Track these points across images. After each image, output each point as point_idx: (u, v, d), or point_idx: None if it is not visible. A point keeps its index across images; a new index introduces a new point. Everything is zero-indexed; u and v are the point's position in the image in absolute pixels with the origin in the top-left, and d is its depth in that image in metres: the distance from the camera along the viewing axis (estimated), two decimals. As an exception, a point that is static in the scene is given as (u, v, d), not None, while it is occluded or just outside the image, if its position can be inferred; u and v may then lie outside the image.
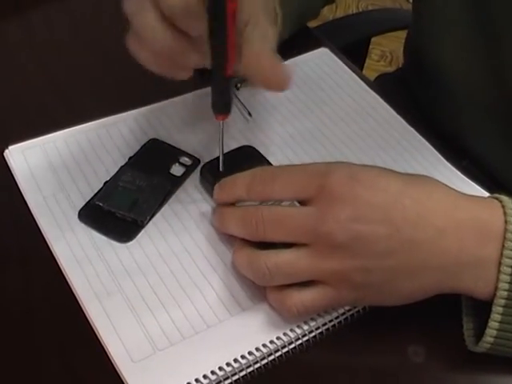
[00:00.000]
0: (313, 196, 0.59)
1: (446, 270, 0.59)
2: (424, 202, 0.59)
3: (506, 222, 0.58)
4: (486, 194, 0.73)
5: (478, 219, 0.59)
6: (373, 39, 1.23)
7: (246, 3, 0.60)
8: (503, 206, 0.59)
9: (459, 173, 0.77)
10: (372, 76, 1.17)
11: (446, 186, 0.61)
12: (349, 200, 0.58)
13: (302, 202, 0.61)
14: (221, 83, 0.65)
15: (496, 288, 0.58)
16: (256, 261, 0.60)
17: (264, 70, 0.61)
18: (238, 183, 0.64)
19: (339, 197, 0.58)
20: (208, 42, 0.59)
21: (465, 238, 0.58)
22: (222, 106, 0.67)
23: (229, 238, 0.67)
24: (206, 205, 0.71)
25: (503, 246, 0.57)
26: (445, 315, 0.63)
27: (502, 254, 0.57)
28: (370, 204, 0.58)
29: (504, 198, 0.60)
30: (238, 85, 0.84)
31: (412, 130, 0.82)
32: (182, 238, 0.68)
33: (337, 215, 0.57)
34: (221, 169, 0.72)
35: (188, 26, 0.58)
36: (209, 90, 0.82)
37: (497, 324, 0.58)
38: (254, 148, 0.76)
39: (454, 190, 0.61)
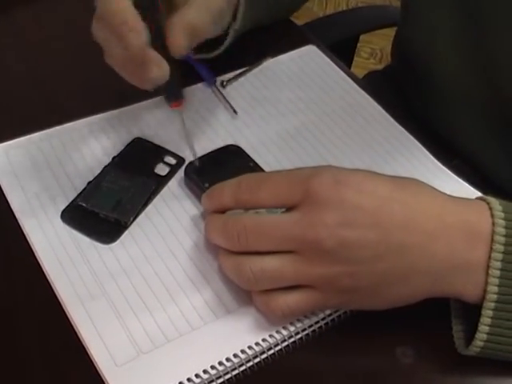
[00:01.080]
0: (298, 202, 0.58)
1: (434, 274, 0.58)
2: (412, 206, 0.58)
3: (493, 224, 0.57)
4: (477, 193, 0.72)
5: (466, 222, 0.58)
6: (362, 37, 1.23)
7: None
8: (490, 208, 0.59)
9: (449, 171, 0.76)
10: (362, 74, 1.16)
11: (434, 188, 0.61)
12: (335, 204, 0.57)
13: (289, 208, 0.59)
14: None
15: (485, 291, 0.57)
16: (241, 265, 0.59)
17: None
18: (225, 192, 0.63)
19: (325, 201, 0.57)
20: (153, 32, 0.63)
21: (453, 242, 0.57)
22: (172, 94, 0.69)
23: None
24: (190, 204, 0.71)
25: (491, 248, 0.57)
26: (434, 316, 0.62)
27: (490, 257, 0.57)
28: (357, 208, 0.57)
29: (491, 199, 0.60)
30: (224, 82, 0.83)
31: (401, 128, 0.81)
32: (166, 239, 0.67)
33: (324, 221, 0.56)
34: (193, 158, 0.72)
35: (130, 41, 0.62)
36: (193, 88, 0.82)
37: (487, 328, 0.57)
38: (239, 147, 0.75)
39: (441, 192, 0.60)
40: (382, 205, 0.57)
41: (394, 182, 0.60)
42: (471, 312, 0.59)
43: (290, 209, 0.59)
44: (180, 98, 0.68)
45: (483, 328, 0.57)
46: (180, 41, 0.65)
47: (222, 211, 0.64)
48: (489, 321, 0.57)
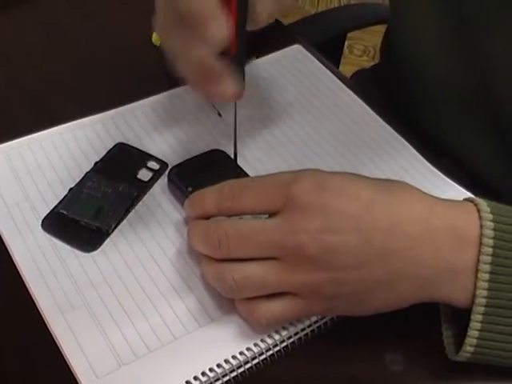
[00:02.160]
0: (280, 207, 0.57)
1: (421, 279, 0.57)
2: (396, 210, 0.57)
3: (481, 226, 0.56)
4: (466, 193, 0.71)
5: (453, 225, 0.57)
6: (354, 34, 1.22)
7: None
8: (478, 210, 0.57)
9: (439, 172, 0.75)
10: (354, 71, 1.15)
11: (420, 191, 0.59)
12: (317, 209, 0.56)
13: (272, 214, 0.58)
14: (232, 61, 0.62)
15: (474, 295, 0.56)
16: (223, 273, 0.58)
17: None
18: (207, 199, 0.62)
19: (307, 206, 0.56)
20: None
21: (440, 246, 0.56)
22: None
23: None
24: (174, 210, 0.69)
25: (480, 251, 0.55)
26: (423, 321, 0.61)
27: (478, 260, 0.55)
28: (339, 213, 0.56)
29: (479, 200, 0.58)
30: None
31: (389, 128, 0.80)
32: (148, 246, 0.66)
33: (306, 226, 0.55)
34: (237, 160, 0.71)
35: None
36: (176, 91, 0.81)
37: (476, 332, 0.56)
38: (224, 152, 0.74)
39: (428, 195, 0.59)
40: (365, 209, 0.56)
41: (377, 185, 0.59)
42: (461, 317, 0.58)
43: (272, 214, 0.58)
44: (242, 89, 0.65)
45: (473, 333, 0.56)
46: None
47: (205, 218, 0.62)
48: (478, 325, 0.56)
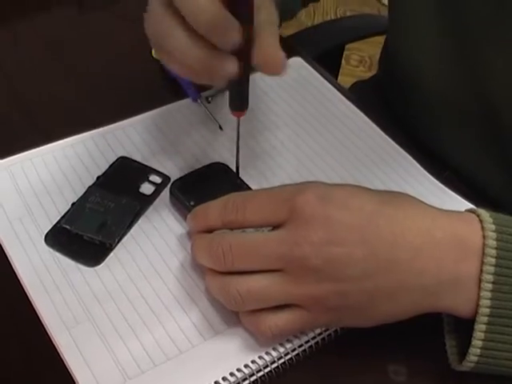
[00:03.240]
0: (284, 220, 0.57)
1: (424, 290, 0.57)
2: (400, 221, 0.57)
3: (484, 237, 0.57)
4: (467, 204, 0.72)
5: (456, 236, 0.57)
6: (351, 44, 1.22)
7: None
8: (481, 221, 0.58)
9: (440, 184, 0.75)
10: (351, 82, 1.16)
11: (423, 202, 0.60)
12: (321, 222, 0.56)
13: (275, 227, 0.58)
14: (236, 81, 0.63)
15: (477, 305, 0.56)
16: (228, 286, 0.58)
17: (269, 61, 0.61)
18: (210, 213, 0.62)
19: (311, 218, 0.56)
20: None
21: (443, 257, 0.57)
22: (238, 103, 0.67)
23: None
24: (176, 224, 0.69)
25: (483, 262, 0.56)
26: (426, 332, 0.61)
27: (482, 271, 0.56)
28: (343, 225, 0.56)
29: (481, 211, 0.59)
30: (209, 98, 0.82)
31: (390, 140, 0.80)
32: (152, 260, 0.66)
33: (310, 238, 0.55)
34: (239, 174, 0.71)
35: (218, 40, 0.57)
36: (176, 104, 0.81)
37: (480, 342, 0.56)
38: (225, 164, 0.74)
39: (430, 206, 0.60)
40: (369, 221, 0.57)
41: (380, 196, 0.59)
42: (464, 327, 0.58)
43: (276, 227, 0.58)
44: (244, 108, 0.67)
45: (477, 343, 0.56)
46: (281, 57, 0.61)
47: (208, 231, 0.63)
48: (482, 335, 0.56)
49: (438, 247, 0.57)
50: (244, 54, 0.60)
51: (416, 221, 0.58)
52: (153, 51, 0.87)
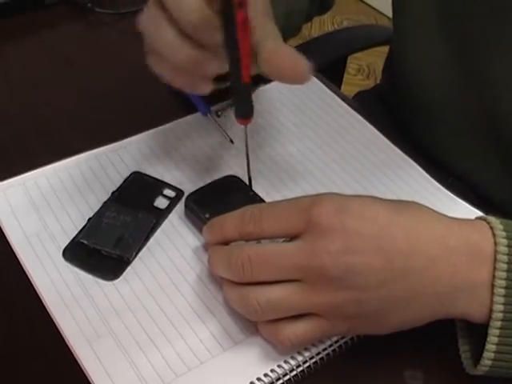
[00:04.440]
0: (301, 231, 0.58)
1: (439, 297, 0.58)
2: (414, 230, 0.59)
3: (495, 243, 0.58)
4: (474, 210, 0.73)
5: (469, 244, 0.59)
6: (349, 53, 1.23)
7: (251, 5, 0.60)
8: (492, 228, 0.59)
9: (446, 190, 0.77)
10: (350, 90, 1.17)
11: (435, 211, 0.61)
12: (338, 232, 0.57)
13: (292, 238, 0.60)
14: (240, 89, 0.65)
15: (491, 310, 0.57)
16: (247, 297, 0.59)
17: (285, 66, 0.61)
18: (227, 225, 0.63)
19: (328, 229, 0.57)
20: (225, 50, 0.61)
21: (457, 264, 0.58)
22: (243, 111, 0.68)
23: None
24: (192, 237, 0.71)
25: (495, 267, 0.57)
26: (441, 337, 0.62)
27: (494, 276, 0.57)
28: (360, 235, 0.57)
29: (492, 219, 0.60)
30: (219, 112, 0.83)
31: (397, 149, 0.81)
32: (169, 273, 0.67)
33: (327, 248, 0.57)
34: (248, 181, 0.72)
35: (205, 39, 0.60)
36: (188, 119, 0.82)
37: (494, 346, 0.57)
38: (237, 177, 0.75)
39: (442, 214, 0.61)
40: (384, 230, 0.58)
41: (395, 206, 0.60)
42: (477, 331, 0.60)
43: (293, 238, 0.59)
44: (249, 116, 0.68)
45: (490, 347, 0.57)
46: (303, 68, 0.62)
47: (225, 243, 0.64)
48: (496, 339, 0.57)
49: (452, 254, 0.58)
50: (238, 63, 0.62)
51: (430, 229, 0.59)
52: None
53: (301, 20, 0.95)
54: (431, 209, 0.61)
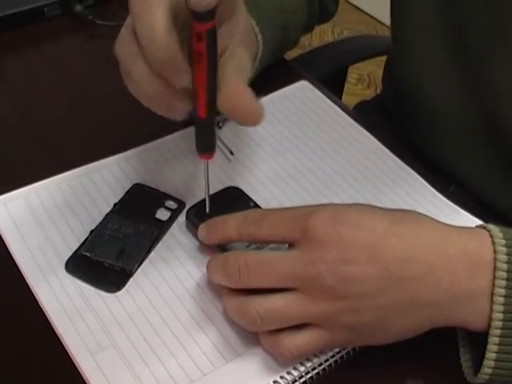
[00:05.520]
0: (298, 239, 0.59)
1: (438, 305, 0.59)
2: (411, 240, 0.59)
3: (495, 251, 0.58)
4: (475, 220, 0.73)
5: (467, 252, 0.59)
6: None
7: (225, 32, 0.61)
8: (491, 236, 0.59)
9: (447, 200, 0.77)
10: (350, 100, 1.17)
11: (433, 219, 0.61)
12: (334, 241, 0.57)
13: (290, 245, 0.60)
14: (199, 124, 0.65)
15: (491, 319, 0.57)
16: (246, 307, 0.60)
17: (239, 108, 0.62)
18: (229, 223, 0.64)
19: (324, 238, 0.58)
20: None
21: (455, 271, 0.58)
22: (205, 146, 0.67)
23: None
24: (193, 248, 0.71)
25: (494, 276, 0.57)
26: (442, 345, 0.62)
27: (494, 285, 0.57)
28: (355, 244, 0.58)
29: (491, 227, 0.60)
30: (220, 123, 0.84)
31: (397, 159, 0.81)
32: (171, 285, 0.67)
33: (323, 257, 0.57)
34: (207, 210, 0.71)
35: (173, 78, 0.59)
36: (190, 130, 0.82)
37: (494, 355, 0.57)
38: (239, 189, 0.76)
39: (441, 223, 0.61)
40: (380, 240, 0.58)
41: (391, 216, 0.61)
42: (477, 340, 0.60)
43: (291, 245, 0.60)
44: (211, 152, 0.68)
45: (490, 355, 0.57)
46: (255, 112, 0.62)
47: (223, 244, 0.65)
48: (495, 348, 0.57)
49: (450, 263, 0.58)
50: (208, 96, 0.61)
51: (428, 238, 0.59)
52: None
53: (297, 35, 0.96)
54: (430, 217, 0.61)
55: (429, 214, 0.62)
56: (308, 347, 0.60)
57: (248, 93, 0.62)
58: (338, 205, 0.62)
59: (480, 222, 0.73)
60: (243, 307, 0.60)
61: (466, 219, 0.74)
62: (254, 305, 0.59)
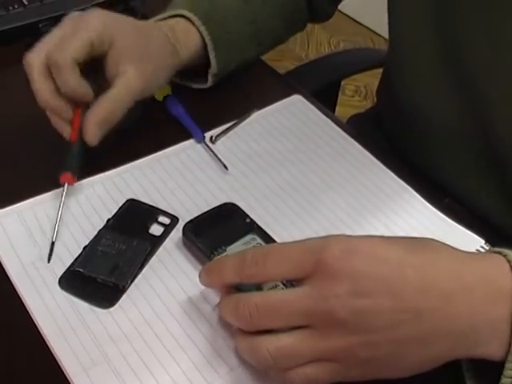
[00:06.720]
0: (309, 274, 0.56)
1: (457, 336, 0.56)
2: (427, 269, 0.56)
3: None
4: (472, 235, 0.73)
5: (486, 279, 0.57)
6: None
7: (114, 53, 0.76)
8: (508, 261, 0.57)
9: (443, 216, 0.77)
10: (346, 112, 1.18)
11: (448, 246, 0.59)
12: (347, 275, 0.55)
13: (297, 281, 0.58)
14: (72, 146, 0.76)
15: (510, 345, 0.55)
16: (257, 347, 0.58)
17: (85, 130, 0.76)
18: (226, 268, 0.61)
19: (337, 273, 0.55)
20: None
21: (474, 301, 0.56)
22: (66, 166, 0.75)
23: (213, 298, 0.67)
24: (187, 264, 0.71)
25: None
26: (445, 376, 0.61)
27: None
28: (369, 277, 0.55)
29: (508, 252, 0.58)
30: (213, 138, 0.84)
31: (389, 171, 0.82)
32: (164, 300, 0.68)
33: (336, 291, 0.55)
34: (48, 262, 0.71)
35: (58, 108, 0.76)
36: (182, 145, 0.83)
37: (509, 380, 0.56)
38: (235, 204, 0.76)
39: (456, 250, 0.59)
40: (395, 271, 0.56)
41: (405, 245, 0.58)
42: (483, 372, 0.58)
43: (299, 281, 0.58)
44: (70, 173, 0.75)
45: (506, 380, 0.56)
46: (92, 132, 0.76)
47: (226, 287, 0.63)
48: (511, 373, 0.56)
49: (469, 291, 0.56)
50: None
51: (444, 266, 0.57)
52: (155, 93, 0.89)
53: (272, 40, 0.98)
54: (445, 244, 0.59)
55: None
56: (320, 378, 0.58)
57: (95, 118, 0.76)
58: (347, 236, 0.59)
59: (476, 238, 0.73)
60: (254, 347, 0.58)
61: (462, 235, 0.74)
62: (264, 344, 0.57)
